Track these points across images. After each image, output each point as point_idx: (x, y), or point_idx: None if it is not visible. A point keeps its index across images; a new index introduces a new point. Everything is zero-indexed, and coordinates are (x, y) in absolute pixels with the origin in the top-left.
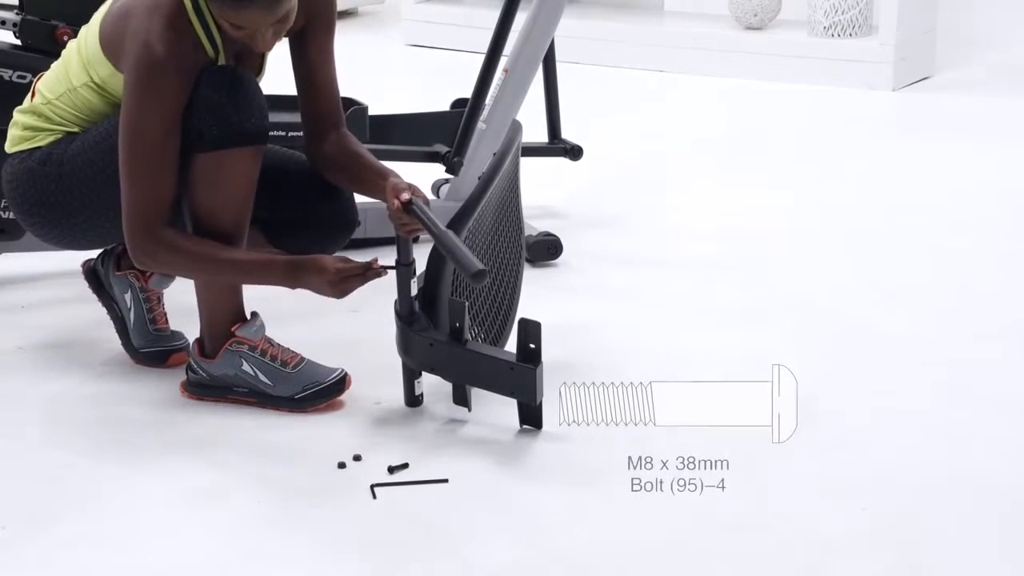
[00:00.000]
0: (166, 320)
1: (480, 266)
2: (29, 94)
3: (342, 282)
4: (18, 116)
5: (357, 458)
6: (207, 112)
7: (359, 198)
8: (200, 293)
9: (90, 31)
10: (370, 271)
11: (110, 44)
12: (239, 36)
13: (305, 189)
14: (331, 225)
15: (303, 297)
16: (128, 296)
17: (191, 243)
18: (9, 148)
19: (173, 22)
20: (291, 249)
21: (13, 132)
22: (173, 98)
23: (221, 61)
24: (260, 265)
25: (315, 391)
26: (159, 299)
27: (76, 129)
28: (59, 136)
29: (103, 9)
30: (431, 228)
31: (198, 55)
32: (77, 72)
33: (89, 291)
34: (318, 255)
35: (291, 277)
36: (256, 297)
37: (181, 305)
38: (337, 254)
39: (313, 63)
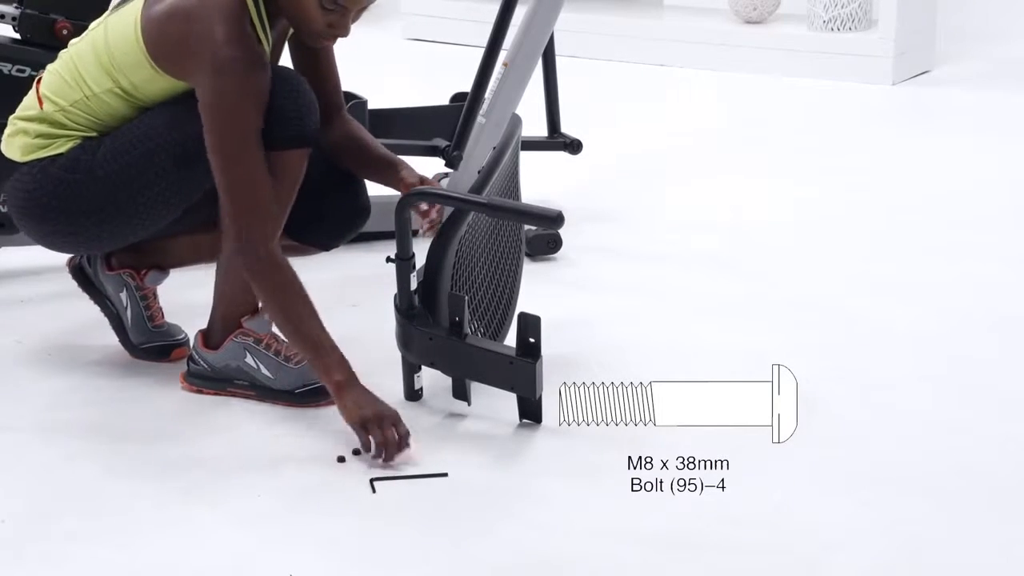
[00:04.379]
0: (163, 315)
1: (557, 210)
2: (35, 100)
3: (381, 435)
4: (25, 124)
5: (356, 452)
6: (269, 113)
7: None
8: (219, 283)
9: (119, 35)
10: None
11: (162, 49)
12: (323, 22)
13: (319, 183)
14: (346, 217)
15: None
16: (123, 295)
17: (290, 280)
18: (21, 157)
19: (244, 21)
20: (305, 239)
21: (23, 140)
22: (262, 92)
23: (267, 58)
24: (324, 354)
25: (315, 387)
26: (155, 295)
27: (94, 134)
28: (77, 141)
29: (132, 12)
30: (469, 200)
31: (264, 51)
32: (97, 78)
33: None
34: (383, 404)
35: (342, 391)
36: None
37: (179, 301)
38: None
39: (315, 51)
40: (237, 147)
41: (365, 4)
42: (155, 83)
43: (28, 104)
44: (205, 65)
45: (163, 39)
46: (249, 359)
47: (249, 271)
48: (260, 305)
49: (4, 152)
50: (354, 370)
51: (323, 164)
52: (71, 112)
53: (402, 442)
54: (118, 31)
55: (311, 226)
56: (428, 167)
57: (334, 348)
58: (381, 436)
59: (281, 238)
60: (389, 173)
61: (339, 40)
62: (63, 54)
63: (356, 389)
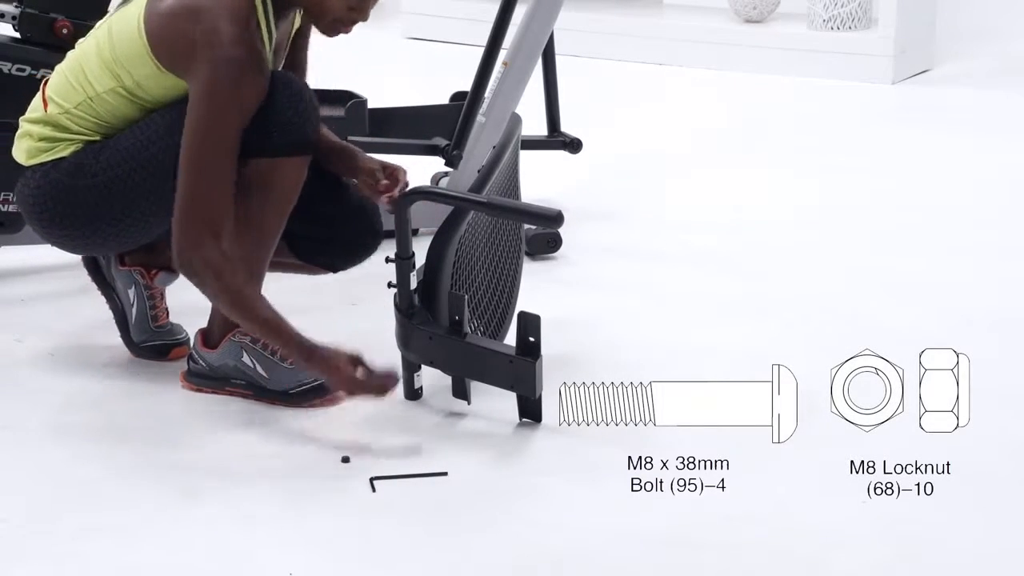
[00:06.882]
0: (167, 315)
1: (556, 209)
2: (40, 102)
3: (356, 389)
4: (30, 127)
5: (345, 460)
6: (268, 119)
7: None
8: None
9: (122, 31)
10: (384, 393)
11: (166, 45)
12: (343, 6)
13: (333, 206)
14: (358, 241)
15: (304, 291)
16: (132, 291)
17: (236, 280)
18: (26, 160)
19: (251, 22)
20: (316, 262)
21: (28, 144)
22: (254, 99)
23: (270, 59)
24: (282, 336)
25: (310, 387)
26: (162, 295)
27: (97, 137)
28: (79, 145)
29: (136, 7)
30: (469, 199)
31: (267, 56)
32: (100, 77)
33: (89, 283)
34: (339, 351)
35: (305, 361)
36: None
37: (181, 301)
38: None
39: (296, 47)
40: (212, 152)
41: None
42: (157, 80)
43: (34, 106)
44: (205, 63)
45: (167, 34)
46: (246, 358)
47: (185, 274)
48: None
49: (13, 154)
50: (310, 340)
51: (338, 189)
52: (75, 115)
53: (389, 379)
54: (121, 27)
55: (322, 250)
56: (428, 166)
57: (280, 331)
58: (379, 387)
59: (286, 256)
60: (346, 160)
61: (338, 39)
62: (70, 54)
63: (320, 365)
